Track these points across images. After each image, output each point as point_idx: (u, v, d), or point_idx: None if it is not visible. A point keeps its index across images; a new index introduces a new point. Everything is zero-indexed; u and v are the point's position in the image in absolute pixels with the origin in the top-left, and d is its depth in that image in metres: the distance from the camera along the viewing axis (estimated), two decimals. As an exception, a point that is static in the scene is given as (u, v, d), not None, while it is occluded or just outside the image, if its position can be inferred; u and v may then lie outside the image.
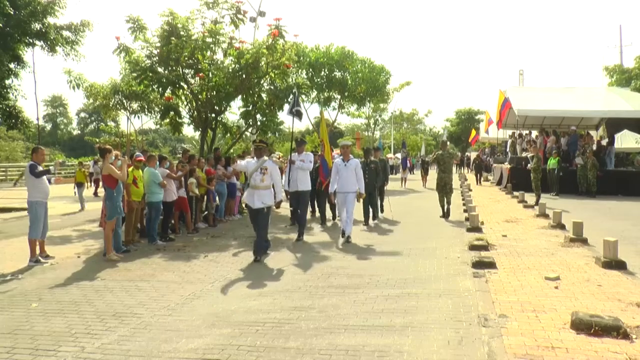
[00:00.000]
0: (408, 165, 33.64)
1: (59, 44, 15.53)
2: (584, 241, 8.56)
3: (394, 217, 12.96)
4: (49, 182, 8.91)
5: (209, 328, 4.76)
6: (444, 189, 12.75)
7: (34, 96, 16.99)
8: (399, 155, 38.78)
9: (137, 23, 12.95)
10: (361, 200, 10.52)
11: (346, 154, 9.95)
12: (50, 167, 8.30)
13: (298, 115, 10.64)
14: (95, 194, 21.55)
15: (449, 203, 12.83)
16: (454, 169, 39.02)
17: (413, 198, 19.51)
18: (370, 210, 12.14)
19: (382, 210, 13.57)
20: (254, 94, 14.39)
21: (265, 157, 8.06)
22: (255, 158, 8.16)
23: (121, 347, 4.30)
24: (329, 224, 12.12)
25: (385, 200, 13.96)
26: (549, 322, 4.65)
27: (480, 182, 26.94)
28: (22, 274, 7.20)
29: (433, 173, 17.68)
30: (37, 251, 8.02)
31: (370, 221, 12.05)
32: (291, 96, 10.62)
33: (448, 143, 14.26)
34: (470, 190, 19.65)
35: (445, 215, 12.69)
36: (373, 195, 12.09)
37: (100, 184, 20.21)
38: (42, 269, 7.50)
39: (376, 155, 13.22)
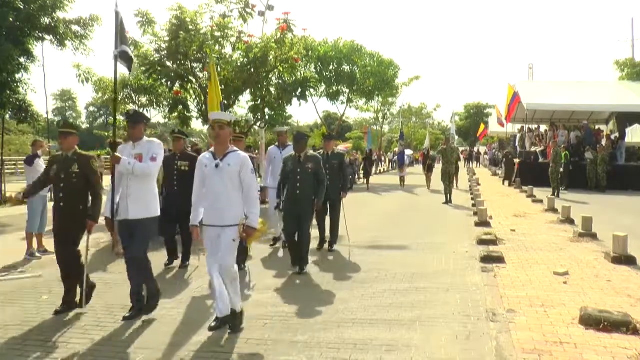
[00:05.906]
0: (407, 161, 28.80)
1: (68, 39, 15.58)
2: (593, 236, 8.53)
3: (357, 259, 7.44)
4: None
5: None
6: (447, 178, 14.88)
7: (44, 90, 17.07)
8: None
9: (145, 17, 12.96)
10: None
11: (220, 139, 4.53)
12: (39, 152, 8.29)
13: (125, 59, 5.58)
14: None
15: (450, 192, 14.84)
16: (462, 163, 39.04)
17: (418, 195, 19.44)
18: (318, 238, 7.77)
19: (335, 241, 8.17)
20: (262, 88, 14.38)
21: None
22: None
23: (130, 340, 4.34)
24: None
25: (342, 221, 8.25)
26: (557, 318, 4.63)
27: (514, 181, 20.38)
28: (23, 267, 7.22)
29: (438, 173, 17.38)
30: (35, 245, 7.95)
31: (298, 269, 6.67)
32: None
33: (456, 137, 14.70)
34: (479, 184, 19.54)
35: (448, 201, 14.50)
36: (306, 220, 6.71)
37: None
38: (52, 262, 7.54)
39: (328, 147, 8.23)
